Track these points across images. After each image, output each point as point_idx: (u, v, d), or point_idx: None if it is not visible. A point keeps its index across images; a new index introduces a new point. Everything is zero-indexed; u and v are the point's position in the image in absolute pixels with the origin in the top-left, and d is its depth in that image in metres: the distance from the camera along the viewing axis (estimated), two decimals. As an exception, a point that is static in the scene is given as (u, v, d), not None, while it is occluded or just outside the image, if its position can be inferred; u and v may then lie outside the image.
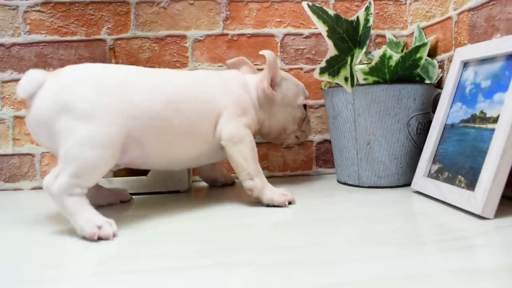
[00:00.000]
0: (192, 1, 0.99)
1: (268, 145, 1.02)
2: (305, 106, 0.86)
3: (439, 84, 0.89)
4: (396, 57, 0.79)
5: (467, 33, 0.81)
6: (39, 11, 0.95)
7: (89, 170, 0.58)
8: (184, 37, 0.99)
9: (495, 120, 0.63)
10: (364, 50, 0.81)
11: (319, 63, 0.90)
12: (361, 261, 0.45)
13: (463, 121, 0.72)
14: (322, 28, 0.80)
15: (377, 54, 0.81)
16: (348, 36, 0.82)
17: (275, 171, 1.03)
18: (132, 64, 0.96)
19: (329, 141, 1.04)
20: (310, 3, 0.80)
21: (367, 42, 0.81)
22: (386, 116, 0.82)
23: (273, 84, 0.79)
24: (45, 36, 0.95)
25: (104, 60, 0.97)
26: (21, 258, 0.49)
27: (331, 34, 0.80)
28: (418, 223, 0.60)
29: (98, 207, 0.74)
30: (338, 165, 0.92)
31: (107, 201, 0.76)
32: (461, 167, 0.68)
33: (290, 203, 0.72)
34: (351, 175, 0.87)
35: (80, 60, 0.96)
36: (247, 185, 0.71)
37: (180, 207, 0.73)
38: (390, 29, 1.05)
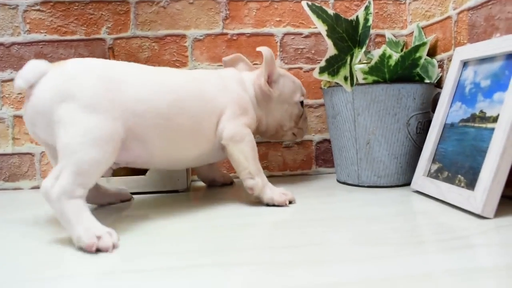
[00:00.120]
0: (191, 1, 0.98)
1: (267, 144, 1.02)
2: (302, 103, 0.86)
3: (439, 84, 0.89)
4: (395, 56, 0.79)
5: (466, 33, 0.81)
6: (38, 10, 0.95)
7: (92, 165, 0.55)
8: (183, 36, 0.99)
9: (494, 119, 0.63)
10: (363, 49, 0.81)
11: (319, 62, 0.90)
12: (361, 260, 0.45)
13: (462, 120, 0.72)
14: (321, 28, 0.80)
15: (376, 53, 0.81)
16: (348, 36, 0.82)
17: (275, 171, 1.03)
18: (132, 64, 0.95)
19: (328, 141, 1.04)
20: (310, 3, 0.80)
21: (367, 41, 0.81)
22: (385, 116, 0.82)
23: (270, 80, 0.79)
24: (45, 35, 0.95)
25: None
26: (21, 258, 0.49)
27: (331, 33, 0.80)
28: (417, 222, 0.60)
29: (99, 206, 0.74)
30: (337, 165, 0.92)
31: (107, 201, 0.75)
32: (460, 166, 0.68)
33: (290, 202, 0.72)
34: (351, 174, 0.87)
35: (79, 59, 0.96)
36: (247, 184, 0.71)
37: (179, 207, 0.73)
38: (389, 28, 1.05)
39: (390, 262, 0.44)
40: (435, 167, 0.76)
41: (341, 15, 0.81)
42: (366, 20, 0.81)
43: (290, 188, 0.84)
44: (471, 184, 0.64)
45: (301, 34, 1.02)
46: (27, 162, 0.96)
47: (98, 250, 0.50)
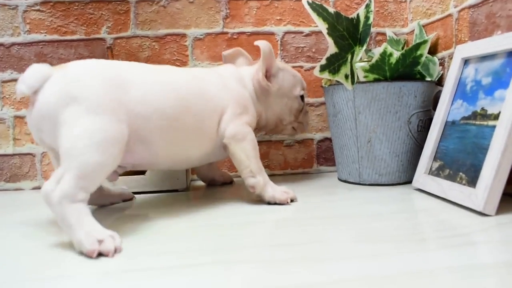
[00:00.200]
0: (191, 0, 0.98)
1: (269, 143, 1.02)
2: (302, 97, 0.85)
3: (440, 82, 0.89)
4: (396, 54, 0.79)
5: (467, 30, 0.80)
6: (38, 10, 0.95)
7: (95, 168, 0.53)
8: (184, 35, 0.99)
9: (496, 117, 0.63)
10: (364, 47, 0.81)
11: (319, 61, 0.90)
12: (362, 258, 0.45)
13: (464, 118, 0.72)
14: (322, 26, 0.80)
15: (377, 51, 0.81)
16: (349, 34, 0.82)
17: (276, 169, 1.03)
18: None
19: (329, 139, 1.04)
20: (310, 1, 0.80)
21: (368, 39, 0.81)
22: (386, 114, 0.81)
23: (268, 75, 0.79)
24: (45, 35, 0.95)
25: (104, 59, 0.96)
26: (22, 258, 0.49)
27: (331, 31, 0.80)
28: (419, 220, 0.60)
29: (101, 206, 0.74)
30: (338, 163, 0.92)
31: (109, 201, 0.75)
32: (462, 164, 0.68)
33: (292, 200, 0.72)
34: (352, 173, 0.87)
35: (80, 59, 0.96)
36: (249, 182, 0.71)
37: (179, 206, 0.73)
38: (390, 26, 1.04)
39: (391, 259, 0.44)
40: (436, 164, 0.75)
41: (342, 13, 0.81)
42: (366, 18, 0.81)
43: (291, 186, 0.84)
44: (472, 181, 0.64)
45: (301, 32, 1.02)
46: (28, 163, 0.96)
47: (100, 254, 0.48)
